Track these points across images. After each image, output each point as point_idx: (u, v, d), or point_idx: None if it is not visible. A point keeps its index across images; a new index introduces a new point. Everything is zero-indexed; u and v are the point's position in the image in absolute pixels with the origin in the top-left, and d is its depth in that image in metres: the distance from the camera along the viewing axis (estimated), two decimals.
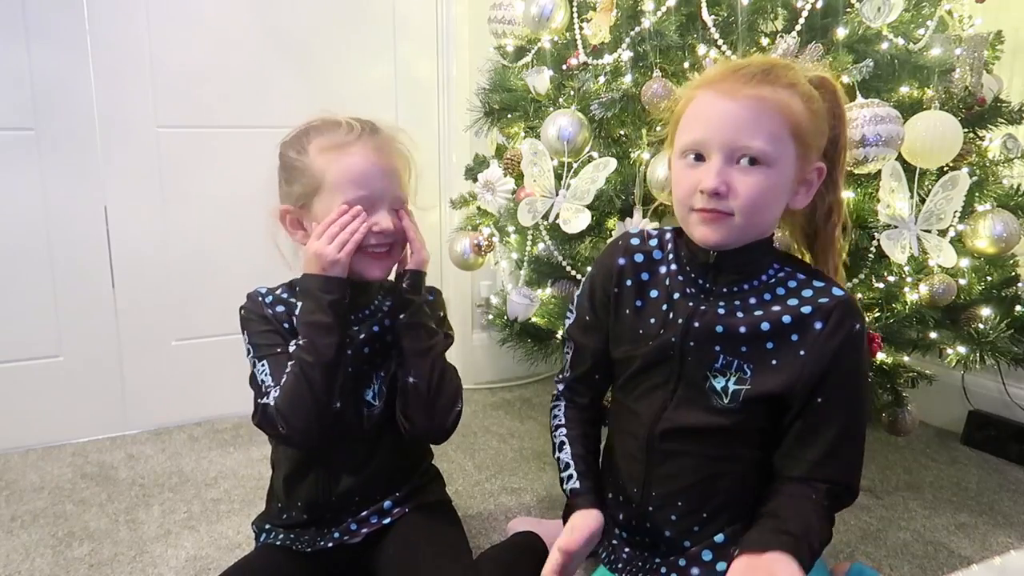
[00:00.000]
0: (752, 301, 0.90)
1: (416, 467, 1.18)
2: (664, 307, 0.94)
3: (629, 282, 0.97)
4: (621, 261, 0.97)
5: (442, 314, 1.14)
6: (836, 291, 0.89)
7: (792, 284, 0.90)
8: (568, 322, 1.06)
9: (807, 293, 0.89)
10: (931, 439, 1.84)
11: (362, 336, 1.07)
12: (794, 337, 0.88)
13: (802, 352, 0.87)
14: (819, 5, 1.20)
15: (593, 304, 1.01)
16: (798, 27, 1.20)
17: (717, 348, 0.90)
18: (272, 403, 0.97)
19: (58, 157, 1.71)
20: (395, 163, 1.04)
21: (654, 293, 0.95)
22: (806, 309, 0.87)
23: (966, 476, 1.65)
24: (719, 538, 0.93)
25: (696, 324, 0.90)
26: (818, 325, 0.87)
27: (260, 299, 1.07)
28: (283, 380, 0.98)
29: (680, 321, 0.92)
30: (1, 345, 1.72)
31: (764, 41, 1.27)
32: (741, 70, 0.86)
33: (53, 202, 1.71)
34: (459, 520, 1.20)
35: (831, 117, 0.90)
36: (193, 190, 1.85)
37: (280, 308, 1.05)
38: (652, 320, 0.94)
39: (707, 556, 0.93)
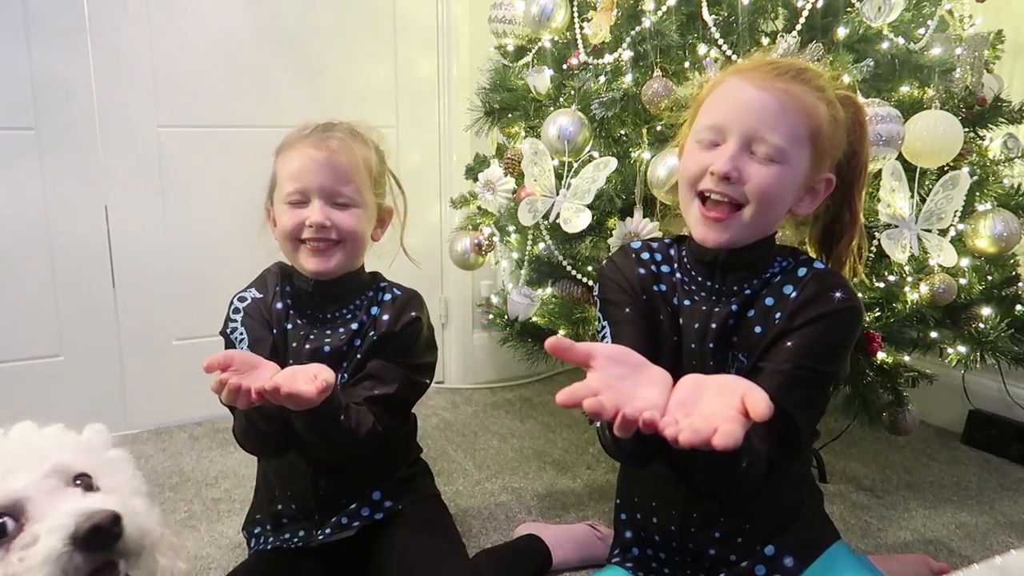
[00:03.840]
0: (766, 299, 0.89)
1: (402, 457, 1.18)
2: (679, 317, 0.93)
3: (655, 289, 0.95)
4: (641, 271, 0.95)
5: (416, 346, 1.07)
6: (817, 265, 0.90)
7: (791, 271, 0.90)
8: (608, 343, 0.94)
9: (801, 272, 0.89)
10: (931, 439, 1.84)
11: (327, 341, 1.06)
12: (768, 301, 0.88)
13: (777, 314, 0.87)
14: (819, 5, 1.20)
15: (626, 300, 0.94)
16: (798, 27, 1.20)
17: (735, 341, 0.89)
18: (232, 428, 1.03)
19: (58, 157, 1.71)
20: (339, 158, 1.03)
21: (675, 301, 0.94)
22: (787, 288, 0.88)
23: (966, 476, 1.65)
24: (769, 550, 0.92)
25: (714, 326, 0.90)
26: (788, 289, 0.87)
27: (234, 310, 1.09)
28: (235, 412, 0.99)
29: (696, 326, 0.91)
30: (2, 344, 1.72)
31: (764, 41, 1.27)
32: (774, 64, 0.85)
33: (53, 202, 1.71)
34: (451, 516, 1.21)
35: (851, 134, 0.90)
36: (193, 190, 1.85)
37: (251, 305, 1.08)
38: (668, 329, 0.93)
39: (760, 572, 0.92)
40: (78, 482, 0.64)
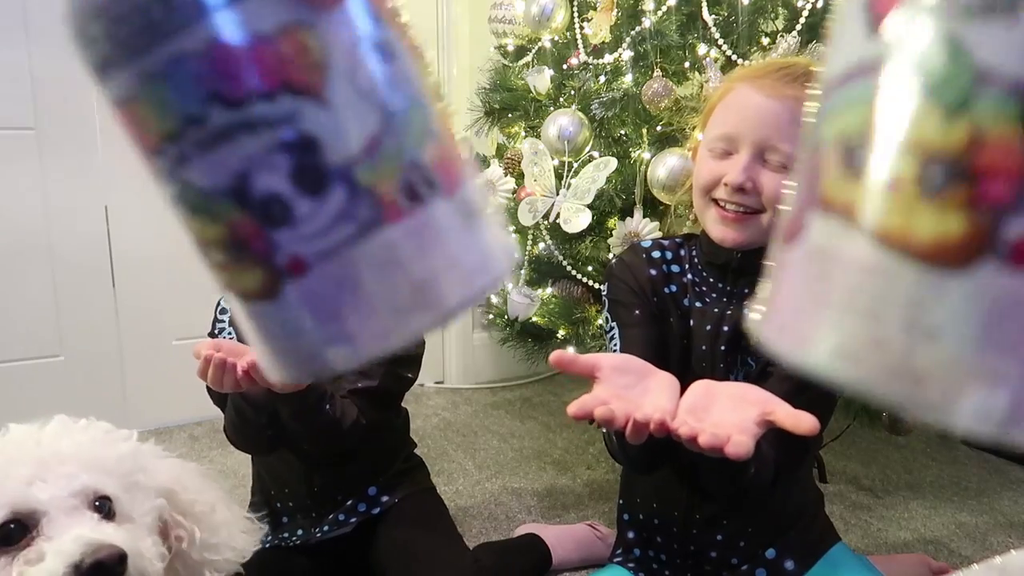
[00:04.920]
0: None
1: (396, 452, 1.18)
2: (689, 319, 0.92)
3: (666, 290, 0.93)
4: (652, 271, 0.93)
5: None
6: None
7: None
8: (616, 344, 0.93)
9: None
10: (931, 438, 1.84)
11: None
12: None
13: None
14: (819, 5, 1.20)
15: (636, 301, 0.92)
16: (799, 27, 1.20)
17: (745, 344, 0.89)
18: (223, 426, 1.04)
19: (59, 157, 1.71)
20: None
21: (686, 303, 0.93)
22: None
23: (966, 476, 1.65)
24: (770, 553, 0.92)
25: (726, 329, 0.89)
26: None
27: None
28: (226, 408, 1.00)
29: (708, 328, 0.90)
30: (1, 345, 1.72)
31: (765, 41, 1.27)
32: (785, 69, 0.84)
33: (53, 202, 1.71)
34: (447, 509, 1.21)
35: None
36: None
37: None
38: (677, 331, 0.92)
39: (761, 574, 0.92)
40: (98, 504, 0.63)
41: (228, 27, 0.17)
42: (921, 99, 0.13)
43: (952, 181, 0.13)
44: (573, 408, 0.60)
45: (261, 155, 0.18)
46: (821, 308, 0.16)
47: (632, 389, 0.66)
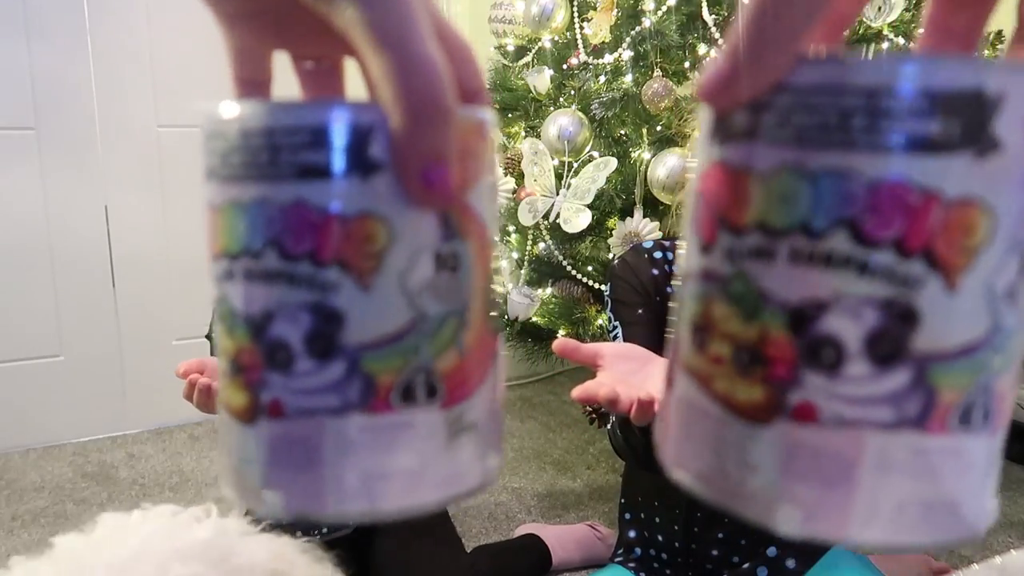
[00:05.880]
0: None
1: None
2: None
3: (668, 290, 0.94)
4: (654, 271, 0.94)
5: None
6: None
7: None
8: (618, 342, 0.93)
9: None
10: None
11: None
12: None
13: None
14: None
15: (638, 301, 0.93)
16: None
17: None
18: None
19: (59, 156, 1.71)
20: None
21: None
22: None
23: None
24: (771, 551, 0.93)
25: None
26: None
27: None
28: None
29: None
30: (1, 345, 1.72)
31: None
32: None
33: (53, 201, 1.72)
34: (447, 511, 1.21)
35: None
36: (193, 190, 1.85)
37: None
38: None
39: (763, 573, 0.93)
40: None
41: (317, 196, 0.19)
42: (730, 307, 0.19)
43: (753, 363, 0.19)
44: (577, 392, 0.60)
45: (290, 307, 0.20)
46: (686, 442, 0.21)
47: (635, 375, 0.66)
